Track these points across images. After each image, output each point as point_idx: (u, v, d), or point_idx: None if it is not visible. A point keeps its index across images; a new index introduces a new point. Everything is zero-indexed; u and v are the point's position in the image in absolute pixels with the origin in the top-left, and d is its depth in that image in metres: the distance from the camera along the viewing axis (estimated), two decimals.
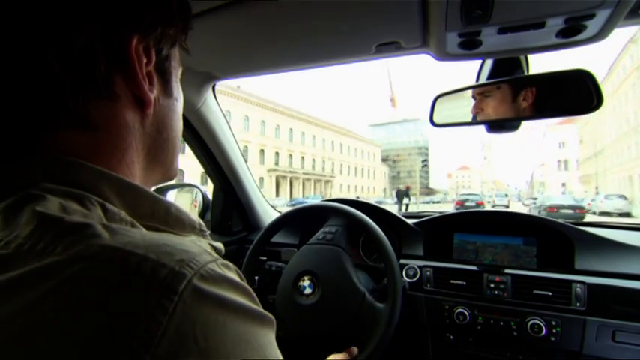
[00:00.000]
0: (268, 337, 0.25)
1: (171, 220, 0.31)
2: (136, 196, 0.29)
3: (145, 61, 0.31)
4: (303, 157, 46.17)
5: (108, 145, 0.30)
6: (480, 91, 0.73)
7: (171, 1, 0.32)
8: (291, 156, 44.08)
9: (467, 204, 16.95)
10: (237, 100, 36.10)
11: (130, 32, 0.29)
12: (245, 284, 0.26)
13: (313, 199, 35.15)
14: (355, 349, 0.76)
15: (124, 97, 0.30)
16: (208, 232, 0.35)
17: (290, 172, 41.90)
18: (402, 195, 18.59)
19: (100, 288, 0.20)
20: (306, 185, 44.75)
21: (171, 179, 0.40)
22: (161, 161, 0.36)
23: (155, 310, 0.19)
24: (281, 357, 0.26)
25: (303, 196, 41.10)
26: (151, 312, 0.19)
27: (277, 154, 41.67)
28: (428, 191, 78.51)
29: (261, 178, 38.49)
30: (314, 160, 49.02)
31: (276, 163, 40.96)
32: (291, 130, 44.50)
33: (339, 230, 0.87)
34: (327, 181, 49.47)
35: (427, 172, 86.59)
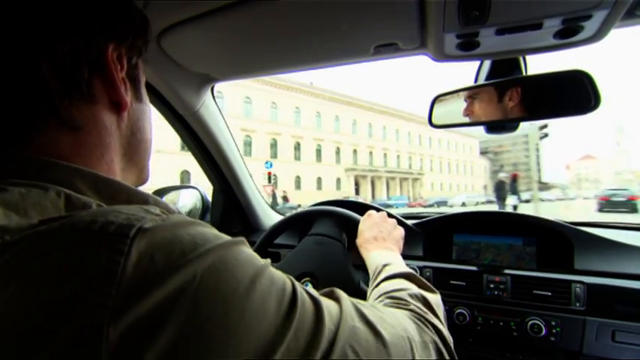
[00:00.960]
0: (234, 253, 0.25)
1: None
2: (112, 189, 0.31)
3: (119, 67, 0.34)
4: (385, 154, 40.94)
5: (88, 144, 0.32)
6: (469, 94, 0.73)
7: (134, 16, 0.36)
8: (371, 153, 39.48)
9: (614, 199, 15.56)
10: (308, 96, 33.93)
11: (107, 40, 0.33)
12: (198, 220, 0.27)
13: (398, 199, 31.26)
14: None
15: (102, 100, 0.33)
16: None
17: (370, 170, 37.51)
18: (504, 189, 10.50)
19: (50, 252, 0.21)
20: (391, 184, 39.95)
21: (144, 182, 0.42)
22: (136, 162, 0.39)
23: (110, 253, 0.21)
24: (261, 261, 0.27)
25: (388, 196, 36.96)
26: (107, 256, 0.21)
27: (355, 151, 37.72)
28: (541, 186, 63.53)
29: (338, 179, 35.30)
30: (398, 156, 43.17)
31: (355, 162, 37.16)
32: (370, 124, 39.78)
33: (332, 228, 0.87)
34: (414, 179, 43.57)
35: (538, 164, 73.93)
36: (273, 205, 1.28)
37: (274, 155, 31.48)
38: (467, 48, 0.63)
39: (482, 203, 31.28)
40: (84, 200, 0.27)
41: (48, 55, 0.28)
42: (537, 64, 0.71)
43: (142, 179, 0.41)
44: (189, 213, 1.25)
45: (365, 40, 0.68)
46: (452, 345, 0.41)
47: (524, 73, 0.70)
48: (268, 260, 0.28)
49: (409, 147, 45.12)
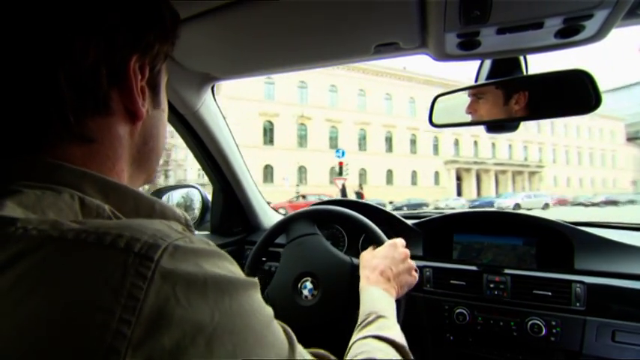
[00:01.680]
0: (248, 300, 0.26)
1: (156, 215, 0.32)
2: (119, 194, 0.30)
3: (139, 77, 0.32)
4: (493, 143, 34.02)
5: (101, 156, 0.31)
6: (474, 92, 0.73)
7: (165, 19, 0.34)
8: (476, 142, 33.35)
9: None
10: (399, 80, 30.17)
11: (131, 52, 0.31)
12: (219, 250, 0.27)
13: (507, 197, 23.76)
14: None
15: (118, 111, 0.32)
16: (206, 232, 0.36)
17: (476, 162, 31.58)
18: None
19: (76, 266, 0.21)
20: (501, 179, 33.10)
21: (149, 183, 0.42)
22: (145, 168, 0.38)
23: (134, 278, 0.21)
24: (269, 311, 0.28)
25: (497, 193, 30.65)
26: (130, 280, 0.20)
27: (457, 141, 32.60)
28: None
29: (437, 173, 30.77)
30: (510, 145, 35.60)
31: (457, 153, 32.04)
32: None
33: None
34: (531, 173, 35.09)
35: None
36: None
37: (363, 147, 28.36)
38: (468, 47, 0.62)
39: (595, 204, 22.34)
40: (97, 204, 0.27)
41: (67, 68, 0.27)
42: (538, 64, 0.71)
43: (148, 181, 0.41)
44: (187, 211, 1.25)
45: (365, 39, 0.68)
46: None
47: (524, 73, 0.70)
48: (271, 311, 0.29)
49: (525, 134, 35.84)
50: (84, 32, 0.28)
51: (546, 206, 21.75)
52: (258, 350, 0.24)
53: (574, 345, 0.78)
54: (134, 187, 0.37)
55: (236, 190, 1.22)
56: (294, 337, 0.30)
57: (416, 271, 0.74)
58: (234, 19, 0.63)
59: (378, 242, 0.80)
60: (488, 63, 0.73)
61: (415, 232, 1.06)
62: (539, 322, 0.80)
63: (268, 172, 25.06)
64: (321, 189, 22.71)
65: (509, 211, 1.04)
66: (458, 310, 0.90)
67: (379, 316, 0.56)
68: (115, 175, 0.32)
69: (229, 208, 1.25)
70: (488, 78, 0.73)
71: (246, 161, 1.21)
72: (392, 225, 1.08)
